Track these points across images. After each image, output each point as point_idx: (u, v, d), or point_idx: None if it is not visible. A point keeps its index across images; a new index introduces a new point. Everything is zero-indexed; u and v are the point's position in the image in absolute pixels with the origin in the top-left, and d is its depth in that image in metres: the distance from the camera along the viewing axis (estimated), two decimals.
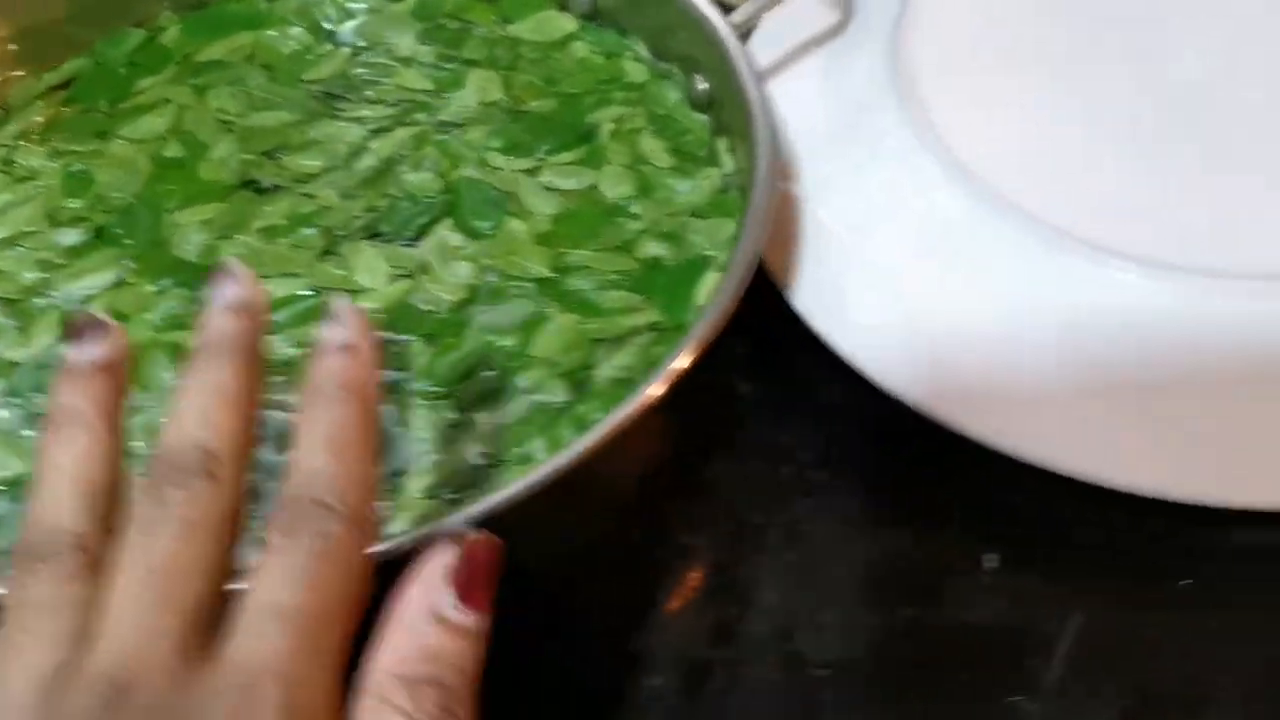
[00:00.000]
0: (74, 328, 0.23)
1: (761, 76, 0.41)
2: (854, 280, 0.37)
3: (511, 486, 0.26)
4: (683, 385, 0.33)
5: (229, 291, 0.24)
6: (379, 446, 0.23)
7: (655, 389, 0.27)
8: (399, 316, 0.33)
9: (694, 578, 0.35)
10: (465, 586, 0.21)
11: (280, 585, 0.20)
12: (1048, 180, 0.37)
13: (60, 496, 0.21)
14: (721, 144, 0.37)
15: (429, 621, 0.20)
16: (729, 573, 0.35)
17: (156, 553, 0.20)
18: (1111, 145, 0.38)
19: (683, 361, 0.28)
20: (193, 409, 0.22)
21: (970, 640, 0.33)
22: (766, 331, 0.39)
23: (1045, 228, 0.35)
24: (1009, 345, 0.35)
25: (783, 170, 0.39)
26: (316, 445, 0.22)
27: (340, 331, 0.24)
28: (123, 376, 0.23)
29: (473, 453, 0.30)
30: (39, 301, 0.35)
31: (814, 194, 0.39)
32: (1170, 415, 0.34)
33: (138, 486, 0.22)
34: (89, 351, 0.23)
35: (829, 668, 0.33)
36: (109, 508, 0.22)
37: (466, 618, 0.20)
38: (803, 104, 0.41)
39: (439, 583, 0.21)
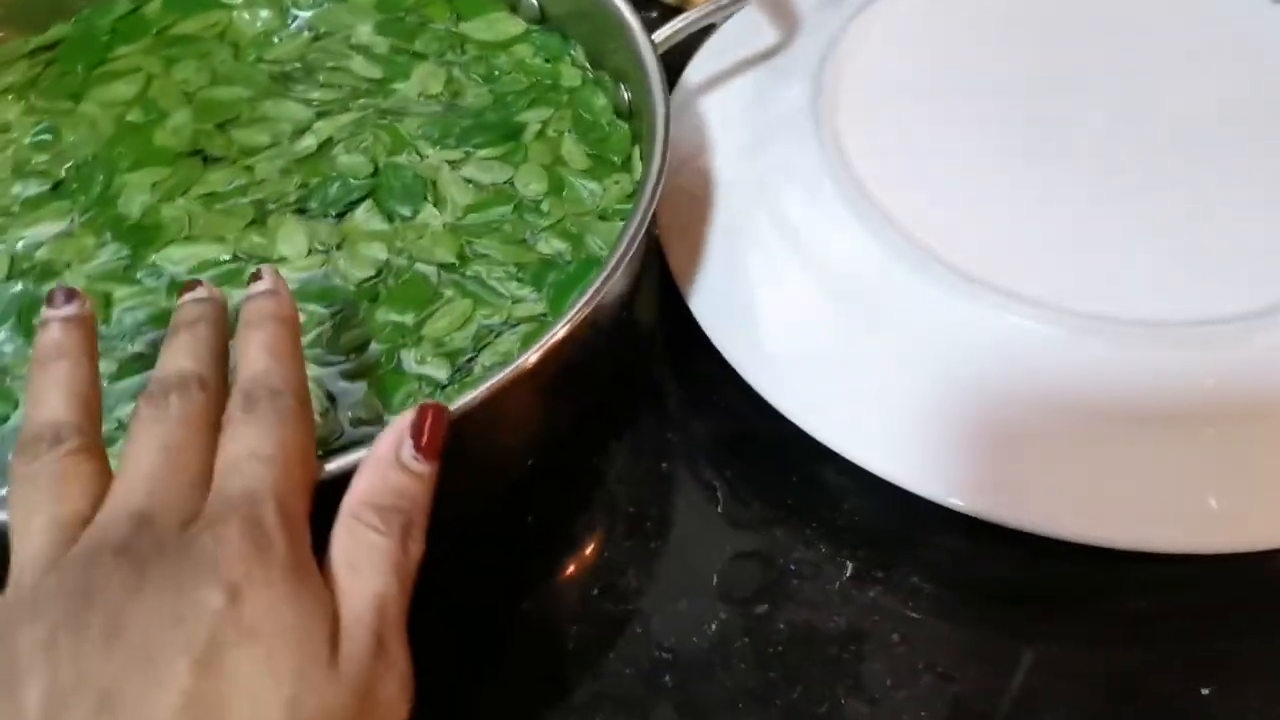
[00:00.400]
0: (52, 296, 0.28)
1: (696, 90, 0.44)
2: (750, 295, 0.39)
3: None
4: (581, 374, 0.35)
5: (202, 291, 0.30)
6: (301, 354, 0.29)
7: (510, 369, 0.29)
8: (310, 287, 0.36)
9: (567, 556, 0.37)
10: (420, 439, 0.27)
11: (253, 439, 0.25)
12: (950, 219, 0.38)
13: (53, 400, 0.26)
14: (637, 152, 0.39)
15: (393, 465, 0.26)
16: (600, 554, 0.37)
17: (165, 436, 0.25)
18: (1016, 191, 0.39)
19: (556, 334, 0.30)
20: (181, 349, 0.28)
21: (814, 640, 0.35)
22: (674, 332, 0.41)
23: (940, 265, 0.37)
24: (889, 373, 0.36)
25: (690, 182, 0.41)
26: (257, 353, 0.28)
27: (265, 284, 0.30)
28: (92, 328, 0.28)
29: (346, 418, 0.32)
30: None
31: (724, 206, 0.41)
32: (1028, 449, 0.35)
33: (139, 401, 0.27)
34: (64, 310, 0.28)
35: (673, 652, 0.35)
36: (96, 411, 0.27)
37: (420, 465, 0.26)
38: (730, 120, 0.43)
39: (402, 437, 0.26)
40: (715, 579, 0.36)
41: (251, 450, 0.25)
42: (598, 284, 0.31)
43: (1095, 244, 0.38)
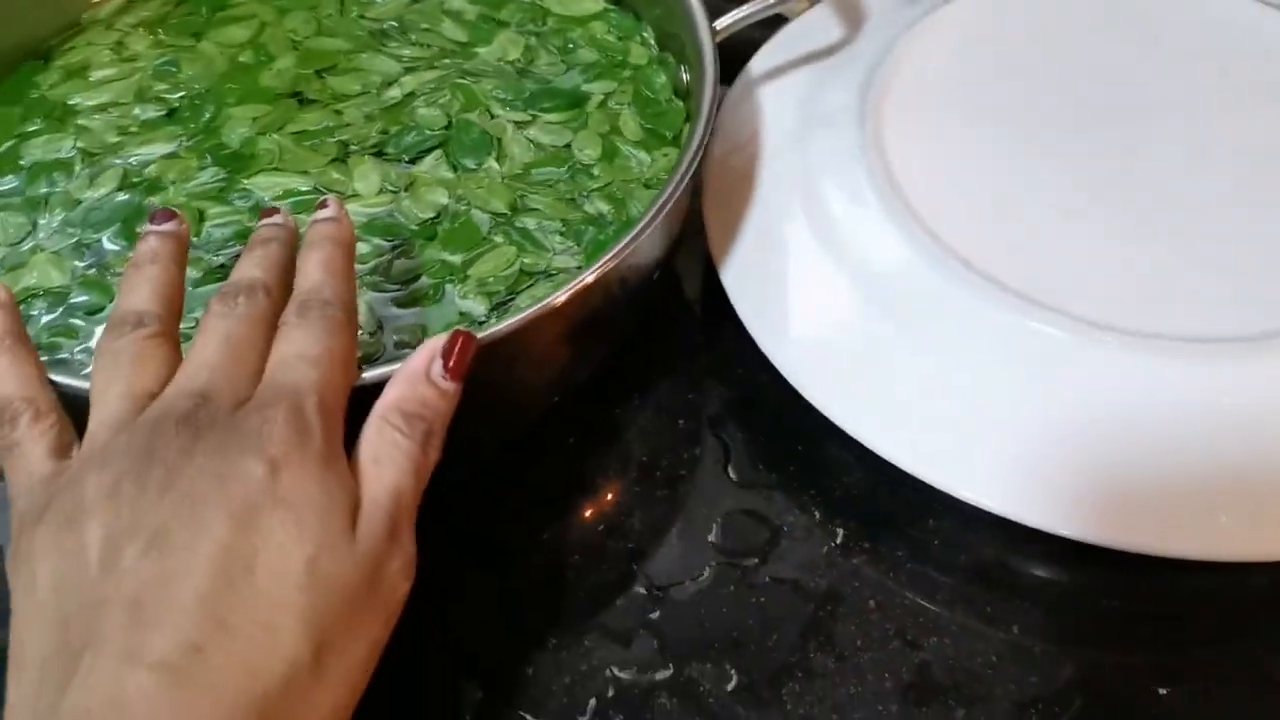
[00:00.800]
0: (154, 215, 0.33)
1: (759, 78, 0.46)
2: (779, 276, 0.41)
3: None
4: (607, 323, 0.38)
5: (279, 218, 0.34)
6: (354, 274, 0.32)
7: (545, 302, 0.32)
8: (376, 222, 0.39)
9: (579, 494, 0.40)
10: (448, 360, 0.30)
11: (303, 342, 0.29)
12: (979, 223, 0.40)
13: (142, 293, 0.31)
14: (689, 129, 0.42)
15: (422, 380, 0.29)
16: (609, 496, 0.40)
17: (229, 330, 0.29)
18: (1048, 201, 0.40)
19: (585, 280, 0.33)
20: (254, 261, 0.32)
21: (796, 598, 0.37)
22: (711, 302, 0.44)
23: (963, 266, 0.38)
24: (904, 363, 0.38)
25: (740, 163, 0.44)
26: (314, 268, 0.31)
27: (329, 210, 0.33)
28: (185, 243, 0.33)
29: (391, 340, 0.36)
30: (112, 159, 0.42)
31: (766, 190, 0.43)
32: (1037, 447, 0.36)
33: (213, 299, 0.30)
34: (163, 226, 0.32)
35: (664, 590, 0.37)
36: (177, 308, 0.31)
37: (446, 383, 0.30)
38: (785, 109, 0.45)
39: (433, 355, 0.30)
40: (713, 531, 0.39)
41: (300, 351, 0.29)
42: (626, 240, 0.34)
43: (1119, 257, 0.39)
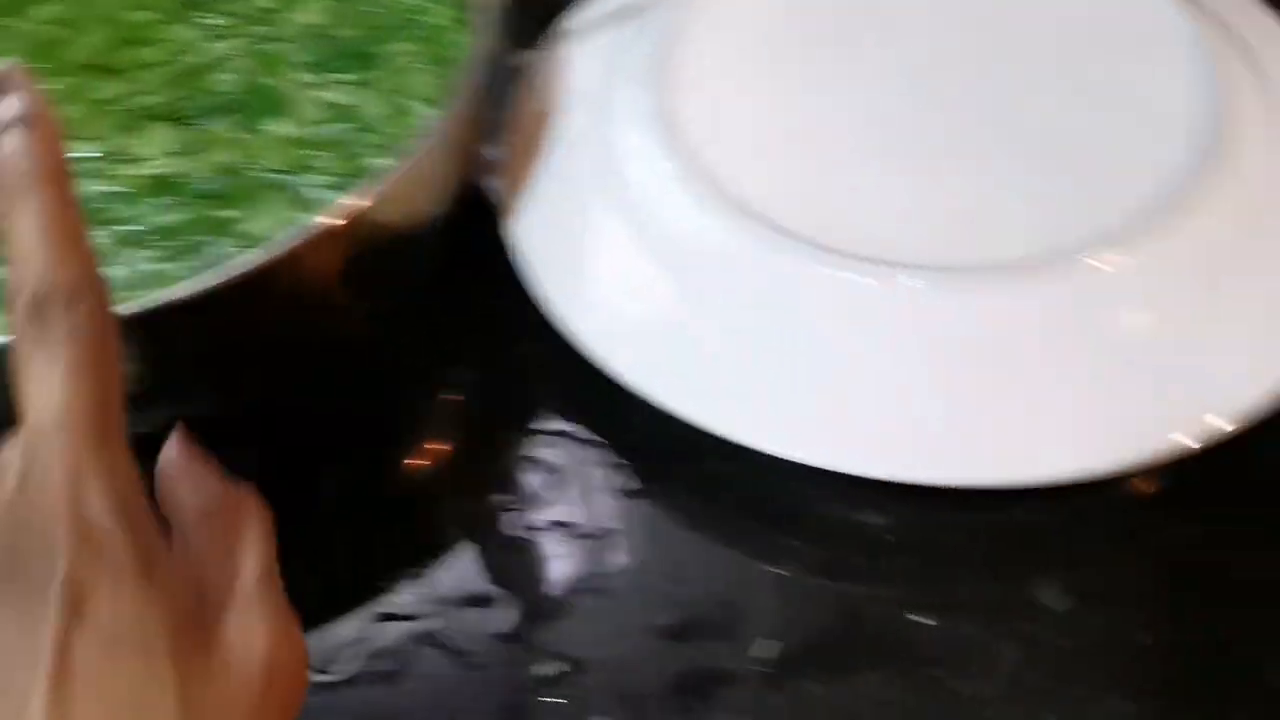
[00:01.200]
0: None
1: (576, 35, 0.47)
2: (570, 234, 0.41)
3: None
4: (378, 270, 0.38)
5: None
6: (85, 224, 0.23)
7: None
8: (159, 180, 0.40)
9: (367, 444, 0.41)
10: (186, 452, 0.26)
11: (52, 388, 0.21)
12: (777, 177, 0.40)
13: None
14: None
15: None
16: (415, 446, 0.41)
17: None
18: (846, 149, 0.41)
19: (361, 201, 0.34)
20: None
21: (572, 541, 0.37)
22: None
23: (763, 224, 0.38)
24: (686, 314, 0.39)
25: (541, 120, 0.44)
26: (34, 240, 0.22)
27: (15, 103, 0.23)
28: None
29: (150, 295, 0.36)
30: None
31: (562, 145, 0.43)
32: (827, 389, 0.37)
33: None
34: None
35: (443, 541, 0.38)
36: None
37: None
38: (591, 66, 0.46)
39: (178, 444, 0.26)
40: (501, 479, 0.39)
41: (52, 406, 0.21)
42: (384, 183, 0.35)
43: (921, 199, 0.39)
